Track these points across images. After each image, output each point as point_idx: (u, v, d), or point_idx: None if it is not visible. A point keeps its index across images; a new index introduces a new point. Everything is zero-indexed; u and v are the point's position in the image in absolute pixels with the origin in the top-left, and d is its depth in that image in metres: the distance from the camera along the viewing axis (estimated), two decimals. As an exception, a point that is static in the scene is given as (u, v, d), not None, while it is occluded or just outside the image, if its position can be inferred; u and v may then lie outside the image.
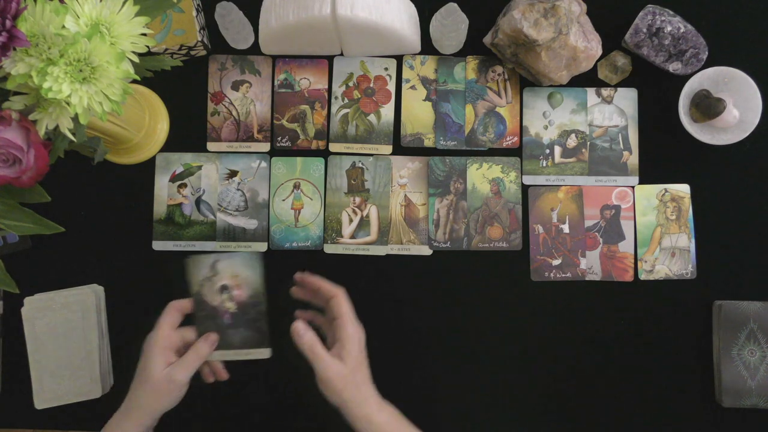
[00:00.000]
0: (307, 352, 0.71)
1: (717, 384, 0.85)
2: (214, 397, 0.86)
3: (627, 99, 0.90)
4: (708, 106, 0.83)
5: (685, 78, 0.86)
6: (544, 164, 0.90)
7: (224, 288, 0.77)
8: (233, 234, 0.89)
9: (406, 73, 0.91)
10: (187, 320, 0.76)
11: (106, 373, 0.86)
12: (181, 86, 0.90)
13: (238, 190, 0.90)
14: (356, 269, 0.88)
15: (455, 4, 0.83)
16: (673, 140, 0.89)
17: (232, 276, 0.77)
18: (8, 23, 0.55)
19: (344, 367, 0.70)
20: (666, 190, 0.89)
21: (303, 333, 0.72)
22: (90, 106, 0.60)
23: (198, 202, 0.90)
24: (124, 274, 0.88)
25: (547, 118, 0.91)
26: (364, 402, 0.71)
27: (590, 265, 0.88)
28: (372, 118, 0.91)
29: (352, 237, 0.89)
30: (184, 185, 0.90)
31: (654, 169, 0.89)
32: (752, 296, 0.86)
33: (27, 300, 0.85)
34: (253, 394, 0.87)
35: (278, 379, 0.86)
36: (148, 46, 0.64)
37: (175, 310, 0.75)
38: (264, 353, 0.77)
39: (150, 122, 0.88)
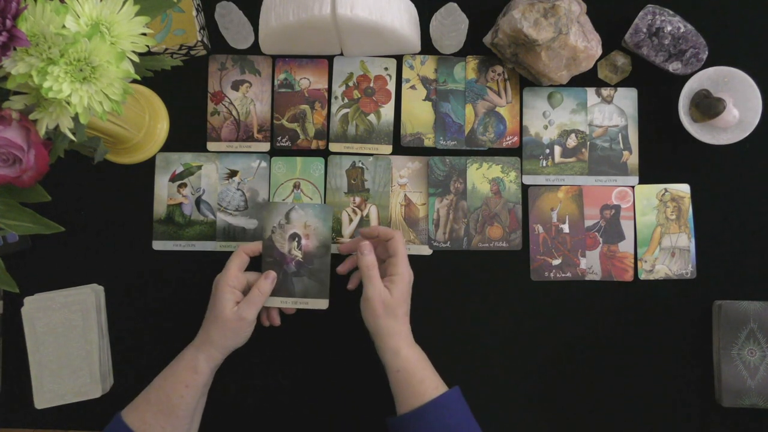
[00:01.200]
0: (363, 269, 0.77)
1: (717, 384, 0.85)
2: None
3: (627, 99, 0.90)
4: (708, 106, 0.83)
5: (685, 78, 0.86)
6: (544, 164, 0.90)
7: (294, 236, 0.81)
8: (233, 234, 0.89)
9: (406, 73, 0.91)
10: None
11: (106, 373, 0.86)
12: (181, 86, 0.90)
13: (238, 189, 0.90)
14: (356, 269, 0.88)
15: (455, 4, 0.83)
16: (673, 140, 0.89)
17: (303, 225, 0.81)
18: (8, 23, 0.55)
19: (389, 296, 0.76)
20: (666, 190, 0.89)
21: (367, 253, 0.78)
22: (90, 105, 0.60)
23: (198, 201, 0.90)
24: (124, 274, 0.88)
25: (547, 118, 0.91)
26: (397, 335, 0.76)
27: (590, 264, 0.88)
28: (372, 117, 0.91)
29: (352, 237, 0.89)
30: (184, 185, 0.90)
31: (654, 169, 0.89)
32: (752, 296, 0.86)
33: (27, 300, 0.85)
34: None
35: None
36: (148, 46, 0.64)
37: (244, 252, 0.80)
38: (322, 304, 0.82)
39: (150, 122, 0.88)
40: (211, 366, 0.77)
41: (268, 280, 0.79)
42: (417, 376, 0.74)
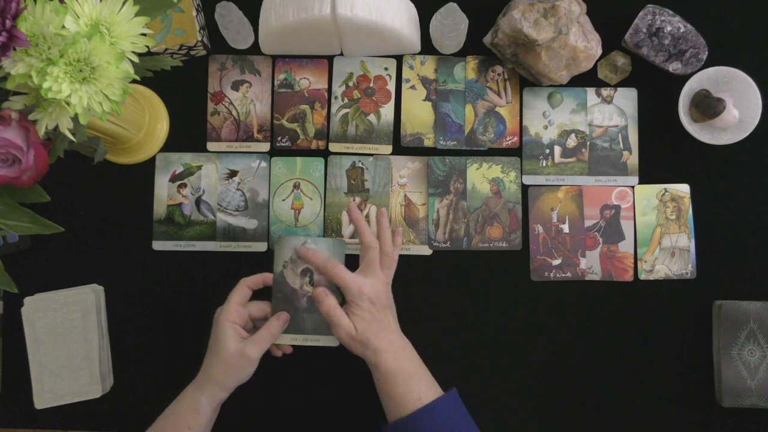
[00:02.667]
0: (326, 315, 0.76)
1: (717, 384, 0.85)
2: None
3: (627, 99, 0.90)
4: (708, 106, 0.83)
5: (685, 78, 0.86)
6: (544, 164, 0.90)
7: (306, 271, 0.79)
8: (233, 234, 0.89)
9: (406, 73, 0.91)
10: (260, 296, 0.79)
11: (106, 373, 0.86)
12: (181, 86, 0.90)
13: (238, 190, 0.90)
14: (356, 269, 0.88)
15: (455, 4, 0.83)
16: (673, 140, 0.89)
17: None
18: (8, 23, 0.55)
19: (354, 332, 0.75)
20: (666, 190, 0.89)
21: (324, 298, 0.76)
22: (90, 106, 0.60)
23: (198, 202, 0.90)
24: (124, 274, 0.89)
25: (547, 118, 0.91)
26: (374, 352, 0.75)
27: (590, 265, 0.88)
28: (372, 118, 0.91)
29: (352, 237, 0.89)
30: (184, 185, 0.90)
31: (654, 169, 0.89)
32: (752, 296, 0.86)
33: (27, 300, 0.85)
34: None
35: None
36: (148, 46, 0.64)
37: (246, 286, 0.78)
38: (333, 341, 0.79)
39: (150, 122, 0.88)
40: (214, 405, 0.76)
41: (280, 321, 0.77)
42: (398, 390, 0.74)
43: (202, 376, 0.76)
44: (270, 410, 0.87)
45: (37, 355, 0.84)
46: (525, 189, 0.90)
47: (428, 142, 0.90)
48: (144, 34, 0.64)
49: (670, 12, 0.86)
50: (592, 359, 0.87)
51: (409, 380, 0.75)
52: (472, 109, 0.91)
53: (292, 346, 0.81)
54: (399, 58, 0.91)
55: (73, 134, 0.63)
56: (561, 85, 0.89)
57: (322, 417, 0.87)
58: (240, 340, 0.75)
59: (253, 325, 0.79)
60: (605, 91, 0.91)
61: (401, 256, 0.88)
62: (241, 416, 0.87)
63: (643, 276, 0.88)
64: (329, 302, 0.76)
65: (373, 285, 0.76)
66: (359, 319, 0.75)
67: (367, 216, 0.89)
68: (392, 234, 0.81)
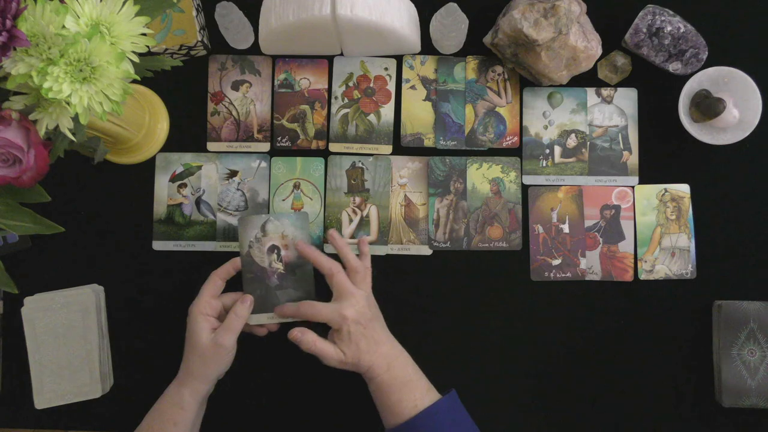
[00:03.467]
0: (308, 349, 0.76)
1: (717, 384, 0.85)
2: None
3: (627, 99, 0.90)
4: (708, 106, 0.83)
5: (685, 78, 0.86)
6: (544, 164, 0.90)
7: (273, 248, 0.79)
8: (233, 234, 0.89)
9: (406, 73, 0.91)
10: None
11: (106, 373, 0.86)
12: (181, 86, 0.90)
13: (238, 190, 0.90)
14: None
15: (455, 4, 0.83)
16: (673, 140, 0.89)
17: (281, 236, 0.79)
18: (8, 23, 0.55)
19: (343, 357, 0.75)
20: (666, 190, 0.89)
21: (300, 339, 0.76)
22: (90, 106, 0.60)
23: (198, 202, 0.90)
24: (124, 274, 0.89)
25: (547, 118, 0.91)
26: (366, 367, 0.75)
27: (590, 265, 0.88)
28: (372, 118, 0.91)
29: (352, 237, 0.89)
30: (184, 185, 0.90)
31: (654, 169, 0.89)
32: (752, 296, 0.86)
33: (27, 300, 0.85)
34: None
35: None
36: (148, 46, 0.64)
37: (217, 277, 0.79)
38: None
39: (150, 122, 0.88)
40: (198, 399, 0.76)
41: (245, 304, 0.77)
42: (392, 399, 0.74)
43: (182, 371, 0.77)
44: (268, 416, 0.87)
45: (37, 355, 0.84)
46: (525, 189, 0.90)
47: (428, 142, 0.90)
48: (144, 34, 0.64)
49: (670, 12, 0.86)
50: (592, 359, 0.87)
51: (403, 388, 0.75)
52: (472, 109, 0.91)
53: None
54: (399, 58, 0.91)
55: (74, 134, 0.63)
56: (561, 85, 0.89)
57: (321, 423, 0.87)
58: (212, 331, 0.76)
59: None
60: (605, 91, 0.91)
61: (402, 256, 0.88)
62: (240, 422, 0.87)
63: (643, 276, 0.88)
64: (308, 339, 0.75)
65: (353, 306, 0.76)
66: (346, 344, 0.75)
67: (367, 216, 0.89)
68: (359, 243, 0.82)
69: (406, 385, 0.75)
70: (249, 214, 0.81)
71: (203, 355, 0.75)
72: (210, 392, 0.79)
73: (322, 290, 0.81)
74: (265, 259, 0.79)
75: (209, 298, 0.77)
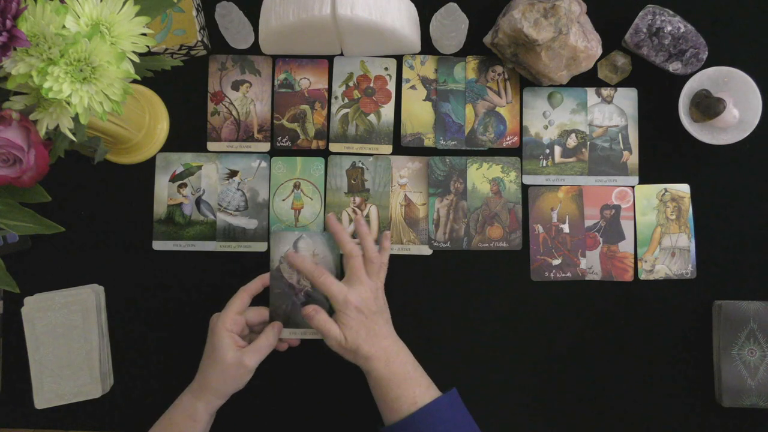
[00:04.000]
0: (317, 329, 0.76)
1: (717, 384, 0.85)
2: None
3: (627, 99, 0.90)
4: (708, 106, 0.83)
5: (685, 78, 0.86)
6: (544, 164, 0.90)
7: None
8: (233, 234, 0.89)
9: (406, 73, 0.91)
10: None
11: (106, 373, 0.86)
12: (181, 86, 0.90)
13: (238, 190, 0.90)
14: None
15: (455, 4, 0.83)
16: (673, 140, 0.89)
17: (312, 255, 0.79)
18: (8, 23, 0.55)
19: (344, 341, 0.74)
20: (666, 190, 0.89)
21: (313, 316, 0.75)
22: (90, 106, 0.60)
23: (198, 202, 0.90)
24: (124, 274, 0.88)
25: (547, 118, 0.91)
26: (365, 360, 0.75)
27: (590, 265, 0.88)
28: (372, 118, 0.91)
29: (352, 237, 0.89)
30: (184, 185, 0.90)
31: (654, 169, 0.89)
32: (752, 296, 0.86)
33: (27, 300, 0.85)
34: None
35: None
36: (148, 46, 0.64)
37: (246, 293, 0.78)
38: None
39: (150, 122, 0.88)
40: (210, 412, 0.76)
41: (275, 330, 0.78)
42: (391, 394, 0.74)
43: (198, 383, 0.76)
44: (268, 411, 0.87)
45: (37, 355, 0.84)
46: (525, 189, 0.90)
47: (428, 142, 0.90)
48: (144, 34, 0.64)
49: (670, 12, 0.86)
50: (592, 359, 0.87)
51: (402, 384, 0.74)
52: (472, 109, 0.91)
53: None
54: (399, 58, 0.91)
55: (74, 134, 0.63)
56: (561, 85, 0.89)
57: (320, 419, 0.87)
58: (237, 349, 0.75)
59: (250, 331, 0.80)
60: (605, 91, 0.91)
61: (402, 257, 0.88)
62: (240, 416, 0.87)
63: (643, 276, 0.88)
64: (319, 317, 0.75)
65: (359, 293, 0.76)
66: (347, 328, 0.75)
67: (367, 216, 0.89)
68: (381, 237, 0.82)
69: (405, 381, 0.75)
70: (280, 228, 0.81)
71: (224, 372, 0.75)
72: (220, 405, 0.78)
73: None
74: (294, 276, 0.79)
75: (234, 314, 0.76)
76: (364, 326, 0.75)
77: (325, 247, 0.80)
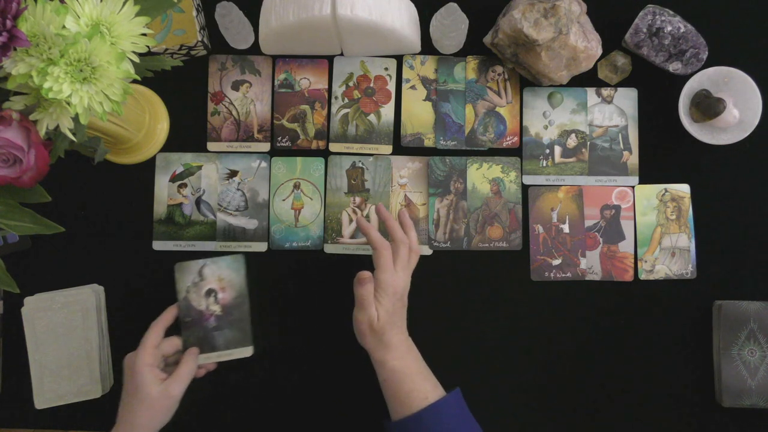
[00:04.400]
0: (358, 298, 0.76)
1: (717, 384, 0.85)
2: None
3: (627, 99, 0.90)
4: (708, 106, 0.83)
5: (685, 78, 0.86)
6: (544, 164, 0.90)
7: (210, 291, 0.81)
8: (233, 234, 0.89)
9: (406, 73, 0.91)
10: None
11: (106, 373, 0.86)
12: (181, 86, 0.90)
13: (238, 190, 0.90)
14: (356, 269, 0.88)
15: (455, 4, 0.83)
16: (673, 140, 0.89)
17: (218, 279, 0.81)
18: (9, 23, 0.55)
19: (376, 321, 0.75)
20: (666, 190, 0.89)
21: (366, 283, 0.76)
22: (90, 106, 0.60)
23: (198, 202, 0.90)
24: (124, 274, 0.88)
25: (547, 118, 0.91)
26: (383, 349, 0.75)
27: (590, 265, 0.88)
28: (372, 118, 0.91)
29: (352, 237, 0.89)
30: (184, 185, 0.90)
31: (654, 169, 0.89)
32: (752, 296, 0.86)
33: (27, 300, 0.85)
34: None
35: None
36: (148, 46, 0.64)
37: (159, 327, 0.78)
38: (246, 352, 0.81)
39: (150, 122, 0.88)
40: None
41: (193, 356, 0.77)
42: (404, 388, 0.74)
43: (124, 424, 0.74)
44: (272, 407, 0.87)
45: (37, 355, 0.84)
46: (525, 189, 0.90)
47: (428, 142, 0.90)
48: (144, 34, 0.64)
49: (671, 12, 0.86)
50: (592, 359, 0.87)
51: (415, 378, 0.75)
52: (473, 109, 0.91)
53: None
54: (399, 58, 0.91)
55: (74, 134, 0.63)
56: (561, 85, 0.89)
57: (324, 415, 0.87)
58: (160, 382, 0.74)
59: (165, 362, 0.79)
60: (605, 91, 0.91)
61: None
62: (245, 413, 0.87)
63: (643, 276, 0.88)
64: (369, 288, 0.76)
65: (404, 281, 0.78)
66: (383, 309, 0.75)
67: (367, 216, 0.89)
68: (399, 215, 0.83)
69: (418, 375, 0.76)
70: (185, 259, 0.83)
71: (153, 407, 0.73)
72: None
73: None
74: (203, 302, 0.80)
75: (152, 349, 0.76)
76: (396, 314, 0.76)
77: (230, 269, 0.81)
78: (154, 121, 0.88)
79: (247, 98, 0.91)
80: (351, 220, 0.89)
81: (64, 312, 0.85)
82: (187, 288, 0.81)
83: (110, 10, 0.61)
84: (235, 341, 0.80)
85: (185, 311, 0.80)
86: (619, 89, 0.90)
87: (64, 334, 0.84)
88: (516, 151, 0.90)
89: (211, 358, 0.80)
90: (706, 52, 0.86)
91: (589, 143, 0.90)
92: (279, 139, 0.90)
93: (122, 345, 0.88)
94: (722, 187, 0.89)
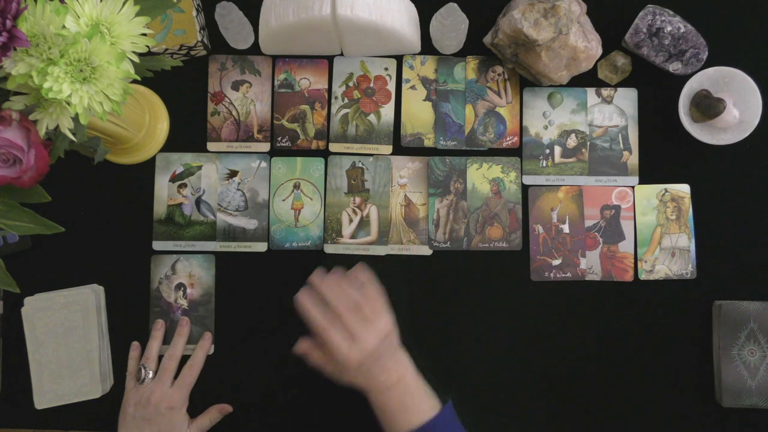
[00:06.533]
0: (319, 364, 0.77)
1: (717, 384, 0.85)
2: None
3: (627, 99, 0.90)
4: (708, 106, 0.83)
5: (685, 78, 0.86)
6: (544, 164, 0.90)
7: (180, 286, 0.86)
8: (233, 234, 0.89)
9: (406, 73, 0.91)
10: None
11: (106, 373, 0.86)
12: (181, 86, 0.90)
13: (238, 190, 0.90)
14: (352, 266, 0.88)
15: (455, 4, 0.83)
16: (673, 140, 0.89)
17: (188, 275, 0.86)
18: (9, 23, 0.55)
19: (342, 380, 0.75)
20: (666, 190, 0.89)
21: (309, 354, 0.77)
22: (90, 106, 0.60)
23: (198, 202, 0.90)
24: (124, 274, 0.88)
25: (547, 118, 0.91)
26: (365, 382, 0.74)
27: (590, 265, 0.88)
28: (372, 118, 0.91)
29: (352, 237, 0.89)
30: (184, 185, 0.90)
31: (654, 169, 0.89)
32: (752, 296, 0.86)
33: (27, 300, 0.85)
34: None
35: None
36: (148, 46, 0.64)
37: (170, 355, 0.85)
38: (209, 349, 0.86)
39: (150, 122, 0.88)
40: None
41: (217, 411, 0.85)
42: (387, 416, 0.73)
43: None
44: (273, 407, 0.87)
45: (37, 355, 0.84)
46: (525, 189, 0.90)
47: (428, 142, 0.90)
48: (144, 34, 0.63)
49: (670, 12, 0.86)
50: (592, 359, 0.87)
51: (396, 412, 0.73)
52: (472, 109, 0.91)
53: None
54: (399, 58, 0.91)
55: (74, 134, 0.63)
56: (561, 85, 0.89)
57: (324, 415, 0.87)
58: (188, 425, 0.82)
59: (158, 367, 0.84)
60: (605, 91, 0.91)
61: (402, 257, 0.88)
62: (245, 413, 0.87)
63: (643, 276, 0.88)
64: (315, 357, 0.77)
65: (348, 373, 0.75)
66: (358, 373, 0.74)
67: (367, 216, 0.89)
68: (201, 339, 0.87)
69: (402, 403, 0.74)
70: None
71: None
72: None
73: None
74: (172, 295, 0.87)
75: (188, 388, 0.84)
76: (362, 372, 0.74)
77: (200, 268, 0.87)
78: (154, 121, 0.88)
79: (247, 98, 0.91)
80: (351, 220, 0.89)
81: (64, 312, 0.85)
82: (160, 279, 0.87)
83: (110, 10, 0.61)
84: (198, 337, 0.86)
85: (156, 301, 0.86)
86: (619, 89, 0.90)
87: (64, 334, 0.84)
88: (516, 151, 0.90)
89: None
90: (706, 52, 0.86)
91: (589, 143, 0.90)
92: (279, 139, 0.90)
93: (122, 345, 0.88)
94: (722, 187, 0.89)
